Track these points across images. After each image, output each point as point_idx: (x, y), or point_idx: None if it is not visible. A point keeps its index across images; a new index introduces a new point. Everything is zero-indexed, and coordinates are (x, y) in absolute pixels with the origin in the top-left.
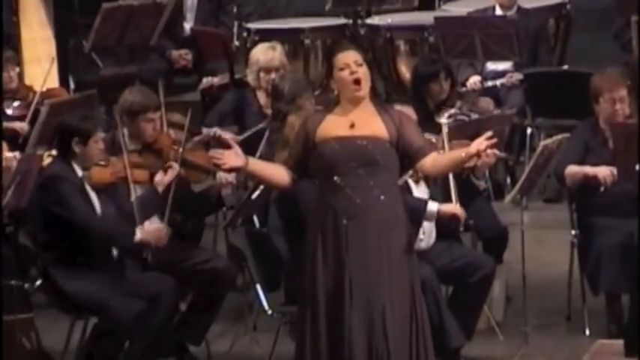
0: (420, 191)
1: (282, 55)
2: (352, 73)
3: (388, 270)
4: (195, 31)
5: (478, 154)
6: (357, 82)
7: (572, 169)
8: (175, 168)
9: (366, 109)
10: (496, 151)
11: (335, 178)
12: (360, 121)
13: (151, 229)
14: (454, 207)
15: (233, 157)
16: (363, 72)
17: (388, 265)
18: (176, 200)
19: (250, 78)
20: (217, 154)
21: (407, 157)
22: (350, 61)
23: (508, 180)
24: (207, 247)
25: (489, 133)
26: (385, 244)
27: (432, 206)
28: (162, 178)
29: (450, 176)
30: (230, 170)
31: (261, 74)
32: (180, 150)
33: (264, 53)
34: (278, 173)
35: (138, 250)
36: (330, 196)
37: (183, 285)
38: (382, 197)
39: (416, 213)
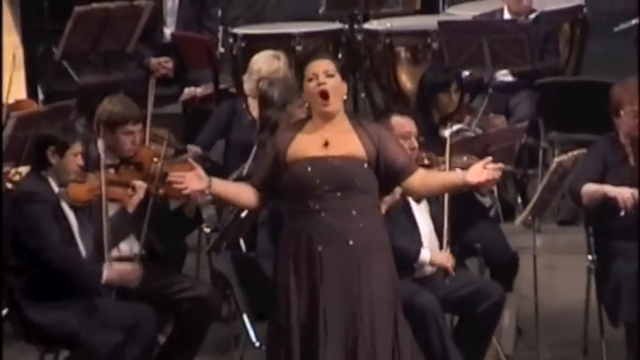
0: (420, 210)
1: (287, 66)
2: (319, 84)
3: (369, 300)
4: (177, 37)
5: (478, 185)
6: (324, 94)
7: (590, 188)
8: (142, 186)
9: (341, 125)
10: (501, 165)
11: (309, 201)
12: (335, 140)
13: (120, 269)
14: (445, 258)
15: (195, 180)
16: (333, 84)
17: (369, 295)
18: (152, 221)
19: (247, 87)
20: (178, 178)
21: (389, 177)
22: (319, 70)
23: (519, 200)
24: (189, 274)
25: (489, 159)
26: (365, 272)
27: (424, 255)
28: (131, 199)
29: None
30: (193, 193)
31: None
32: (160, 164)
33: (268, 63)
34: (244, 194)
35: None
36: (303, 220)
37: (163, 315)
38: (361, 221)
39: (407, 260)
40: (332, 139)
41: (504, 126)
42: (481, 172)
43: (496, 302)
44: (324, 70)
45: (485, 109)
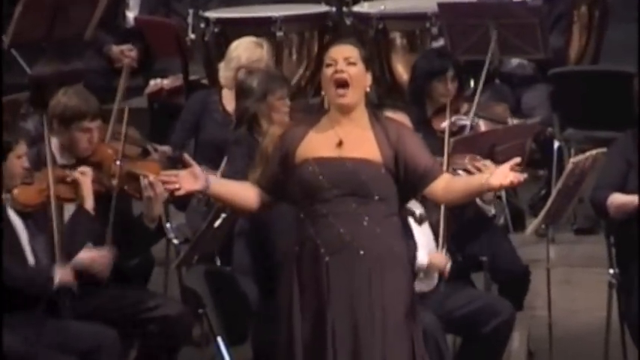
0: (422, 233)
1: (270, 56)
2: (337, 71)
3: (382, 319)
4: (141, 22)
5: (499, 188)
6: (340, 83)
7: (618, 199)
8: (86, 172)
9: (359, 121)
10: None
11: (316, 205)
12: (350, 139)
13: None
14: (441, 259)
15: (190, 180)
16: (353, 73)
17: (382, 314)
18: (114, 227)
19: (223, 76)
20: (170, 177)
21: (410, 183)
22: (339, 56)
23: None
24: (157, 290)
25: (517, 159)
26: (377, 287)
27: (422, 258)
28: (81, 193)
29: None
30: (188, 194)
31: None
32: (118, 162)
33: (250, 50)
34: (247, 195)
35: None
36: (309, 227)
37: (127, 337)
38: (374, 231)
39: None
40: (347, 137)
41: (507, 114)
42: (507, 174)
43: (505, 322)
44: (344, 57)
45: (489, 100)
